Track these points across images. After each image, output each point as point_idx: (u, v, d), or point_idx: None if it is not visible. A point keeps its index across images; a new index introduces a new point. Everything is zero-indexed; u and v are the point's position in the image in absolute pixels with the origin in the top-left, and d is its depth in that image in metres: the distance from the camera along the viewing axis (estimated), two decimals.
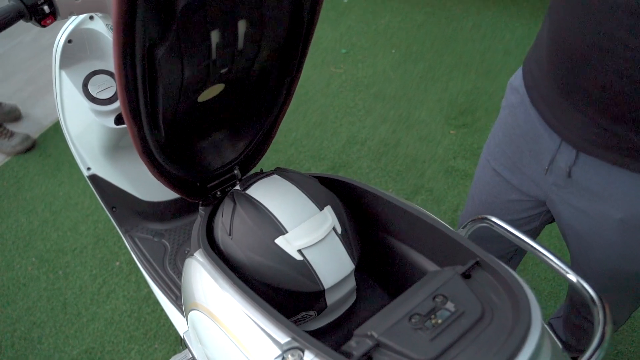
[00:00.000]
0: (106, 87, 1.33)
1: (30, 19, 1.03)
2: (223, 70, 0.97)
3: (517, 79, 1.04)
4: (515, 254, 1.31)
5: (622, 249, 0.97)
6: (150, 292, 1.88)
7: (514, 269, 1.43)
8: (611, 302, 1.13)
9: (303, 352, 0.77)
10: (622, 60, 0.76)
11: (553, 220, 1.18)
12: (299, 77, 1.11)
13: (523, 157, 1.04)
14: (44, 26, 1.04)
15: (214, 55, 0.90)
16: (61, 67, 1.31)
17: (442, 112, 2.60)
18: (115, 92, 1.34)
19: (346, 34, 3.19)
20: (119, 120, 1.36)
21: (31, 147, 2.61)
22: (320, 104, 2.70)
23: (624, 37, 0.74)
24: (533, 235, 1.23)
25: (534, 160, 1.02)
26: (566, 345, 1.49)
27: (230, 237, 1.02)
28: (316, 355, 0.75)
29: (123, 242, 2.02)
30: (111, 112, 1.34)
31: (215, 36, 0.86)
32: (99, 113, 1.34)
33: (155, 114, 0.95)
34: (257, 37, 0.93)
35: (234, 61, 0.96)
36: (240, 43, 0.92)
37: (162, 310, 1.82)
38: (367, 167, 2.36)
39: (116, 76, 0.81)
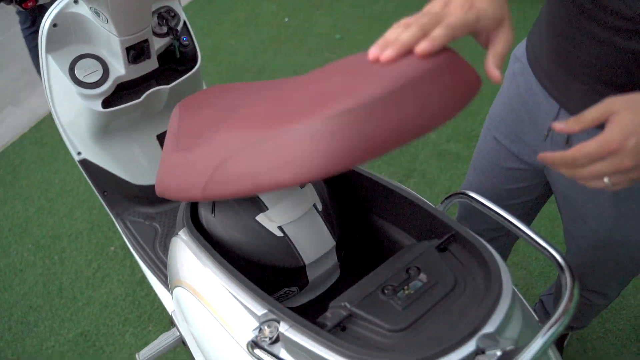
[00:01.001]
0: (92, 70, 1.34)
1: (11, 1, 1.04)
2: None
3: (519, 49, 1.06)
4: (507, 232, 1.33)
5: (615, 219, 0.98)
6: (145, 275, 1.91)
7: (509, 247, 1.44)
8: (603, 275, 1.15)
9: (279, 323, 0.79)
10: (611, 28, 0.77)
11: (552, 193, 1.20)
12: None
13: (523, 125, 1.06)
14: (25, 9, 1.05)
15: None
16: (47, 51, 1.32)
17: None
18: (102, 76, 1.35)
19: (340, 19, 3.19)
20: (106, 103, 1.37)
21: None
22: None
23: (613, 4, 0.75)
24: (534, 208, 1.24)
25: (533, 128, 1.03)
26: None
27: (213, 215, 1.04)
28: (291, 326, 0.77)
29: (117, 227, 2.04)
30: (98, 95, 1.35)
31: None
32: (86, 97, 1.35)
33: None
34: None
35: None
36: None
37: (156, 293, 1.84)
38: None
39: None
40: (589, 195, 0.99)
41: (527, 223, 1.29)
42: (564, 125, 0.69)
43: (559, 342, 1.62)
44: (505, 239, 1.35)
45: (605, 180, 0.67)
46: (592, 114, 0.68)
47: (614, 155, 0.65)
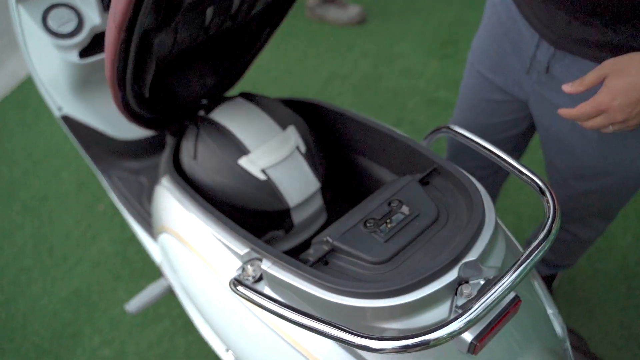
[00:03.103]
0: (67, 20, 1.30)
1: None
2: (210, 31, 0.95)
3: None
4: (494, 179, 1.32)
5: (600, 147, 0.97)
6: (134, 232, 1.90)
7: (498, 187, 1.44)
8: (588, 206, 1.15)
9: (261, 261, 0.78)
10: None
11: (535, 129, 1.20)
12: (279, 26, 1.09)
13: (506, 56, 1.04)
14: None
15: (207, 23, 0.89)
16: (18, 1, 1.27)
17: (424, 45, 2.56)
18: (77, 26, 1.30)
19: None
20: (83, 54, 1.33)
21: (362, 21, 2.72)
22: (300, 41, 2.65)
23: None
24: (520, 143, 1.24)
25: (516, 58, 1.02)
26: (544, 261, 1.52)
27: (195, 160, 1.02)
28: (273, 263, 0.76)
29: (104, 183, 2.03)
30: (74, 46, 1.31)
31: (210, 11, 0.85)
32: (62, 48, 1.31)
33: (140, 79, 0.93)
34: (251, 2, 0.91)
35: (223, 24, 0.94)
36: (234, 8, 0.90)
37: (146, 247, 1.84)
38: (349, 101, 2.34)
39: (106, 59, 0.80)
40: (574, 125, 0.98)
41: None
42: (570, 86, 0.83)
43: (548, 283, 1.63)
44: (494, 177, 1.35)
45: (610, 128, 0.83)
46: (591, 76, 0.81)
47: (606, 112, 0.80)
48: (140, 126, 1.10)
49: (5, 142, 2.38)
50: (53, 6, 1.28)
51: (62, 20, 1.29)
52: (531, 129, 1.18)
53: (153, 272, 1.81)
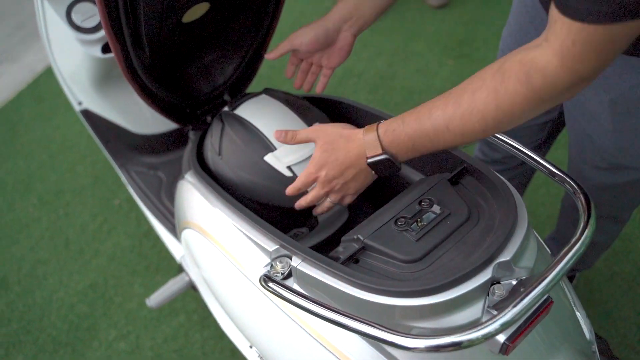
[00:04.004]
0: (90, 15, 1.30)
1: None
2: None
3: None
4: (523, 169, 1.31)
5: (615, 138, 0.95)
6: (151, 228, 1.90)
7: (521, 189, 1.43)
8: (602, 209, 1.14)
9: (290, 258, 0.78)
10: None
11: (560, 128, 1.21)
12: None
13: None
14: None
15: None
16: None
17: (439, 44, 2.55)
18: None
19: None
20: (106, 49, 1.33)
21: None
22: None
23: None
24: (556, 130, 1.22)
25: None
26: None
27: (220, 156, 1.02)
28: (303, 259, 0.76)
29: (121, 180, 2.03)
30: (97, 40, 1.32)
31: None
32: (85, 42, 1.32)
33: (138, 32, 0.93)
34: None
35: None
36: None
37: (163, 244, 1.84)
38: (364, 99, 2.34)
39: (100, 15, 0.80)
40: (591, 112, 0.96)
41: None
42: (280, 135, 0.89)
43: None
44: (520, 178, 1.34)
45: (328, 199, 0.89)
46: (302, 135, 0.87)
47: (318, 182, 0.85)
48: (160, 113, 1.11)
49: (22, 135, 2.39)
50: (77, 1, 1.29)
51: (86, 14, 1.29)
52: (556, 129, 1.17)
53: (168, 267, 1.81)
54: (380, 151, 0.78)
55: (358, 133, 0.81)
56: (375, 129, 0.78)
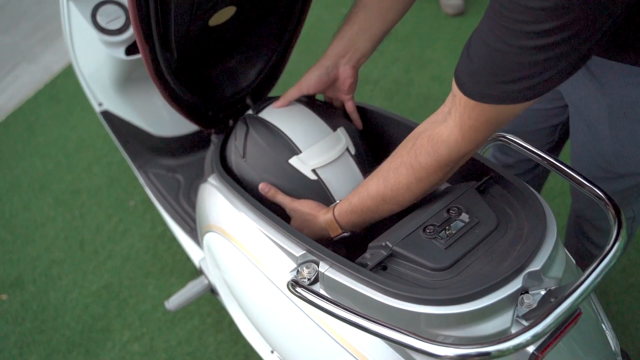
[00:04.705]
0: (115, 17, 1.31)
1: None
2: None
3: None
4: (537, 173, 1.31)
5: (613, 144, 0.96)
6: (166, 229, 1.91)
7: (538, 188, 1.42)
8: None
9: (318, 264, 0.78)
10: None
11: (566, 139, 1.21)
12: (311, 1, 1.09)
13: None
14: None
15: None
16: None
17: (455, 51, 2.54)
18: (125, 22, 1.32)
19: None
20: (129, 51, 1.34)
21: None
22: None
23: None
24: (563, 134, 1.23)
25: None
26: None
27: (244, 159, 1.03)
28: (330, 265, 0.76)
29: (137, 182, 2.04)
30: (121, 42, 1.33)
31: None
32: (109, 44, 1.33)
33: (167, 34, 0.93)
34: None
35: None
36: None
37: (178, 246, 1.85)
38: (379, 106, 2.33)
39: (131, 17, 0.81)
40: (589, 119, 0.98)
41: None
42: (266, 189, 0.99)
43: None
44: (533, 182, 1.34)
45: None
46: (279, 200, 0.99)
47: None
48: (183, 115, 1.12)
49: (38, 135, 2.41)
50: (102, 2, 1.30)
51: (110, 16, 1.31)
52: (562, 139, 1.18)
53: (183, 269, 1.81)
54: (340, 231, 0.91)
55: (319, 217, 0.93)
56: (332, 212, 0.91)
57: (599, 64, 0.89)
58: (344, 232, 0.91)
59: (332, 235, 0.92)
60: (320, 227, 0.93)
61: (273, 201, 0.99)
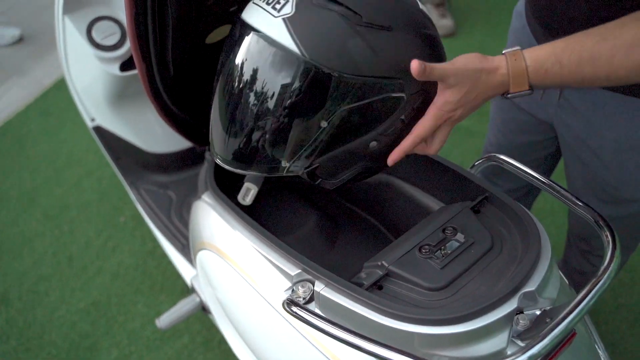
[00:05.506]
0: (111, 33, 1.32)
1: None
2: (232, 9, 0.96)
3: (520, 5, 1.07)
4: (527, 192, 1.32)
5: (618, 172, 0.97)
6: (156, 246, 1.89)
7: (528, 207, 1.43)
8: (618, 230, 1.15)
9: (313, 283, 0.78)
10: None
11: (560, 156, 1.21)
12: None
13: None
14: None
15: None
16: (64, 12, 1.29)
17: None
18: (120, 39, 1.32)
19: None
20: (124, 67, 1.35)
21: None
22: None
23: None
24: (551, 164, 1.24)
25: None
26: None
27: None
28: (326, 285, 0.76)
29: (127, 198, 2.02)
30: (116, 58, 1.33)
31: None
32: (104, 60, 1.33)
33: (164, 52, 0.94)
34: None
35: None
36: None
37: (168, 263, 1.83)
38: None
39: (126, 10, 0.81)
40: (592, 148, 0.98)
41: None
42: (418, 65, 0.72)
43: None
44: (524, 200, 1.35)
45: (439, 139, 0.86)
46: (438, 73, 0.73)
47: (447, 123, 0.82)
48: (178, 132, 1.12)
49: (28, 149, 2.39)
50: (98, 18, 1.31)
51: (106, 32, 1.31)
52: (556, 155, 1.19)
53: (173, 286, 1.80)
54: (527, 87, 0.74)
55: (501, 67, 0.74)
56: (522, 61, 0.73)
57: (588, 103, 0.91)
58: (529, 90, 0.74)
59: (513, 90, 0.75)
60: (496, 83, 0.75)
61: (430, 78, 0.74)
